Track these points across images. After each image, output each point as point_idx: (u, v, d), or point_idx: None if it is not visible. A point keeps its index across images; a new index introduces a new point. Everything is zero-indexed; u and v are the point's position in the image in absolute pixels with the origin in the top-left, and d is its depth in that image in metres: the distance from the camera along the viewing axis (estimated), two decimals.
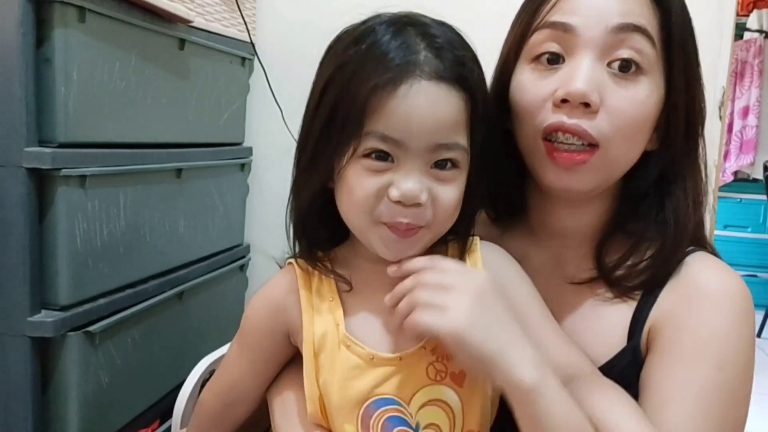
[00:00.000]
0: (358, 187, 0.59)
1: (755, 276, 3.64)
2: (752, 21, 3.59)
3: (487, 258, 0.67)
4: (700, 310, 0.64)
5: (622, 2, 0.64)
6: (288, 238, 0.68)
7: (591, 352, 0.68)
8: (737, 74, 3.59)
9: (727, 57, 1.32)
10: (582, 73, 0.63)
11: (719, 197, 1.49)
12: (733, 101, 3.60)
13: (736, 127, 3.66)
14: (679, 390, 0.61)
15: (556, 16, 0.66)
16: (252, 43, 1.43)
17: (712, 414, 0.60)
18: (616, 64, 0.64)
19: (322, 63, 0.63)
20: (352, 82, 0.58)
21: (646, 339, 0.66)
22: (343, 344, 0.63)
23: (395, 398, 0.61)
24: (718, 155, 1.36)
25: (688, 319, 0.64)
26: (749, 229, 3.77)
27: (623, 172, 0.68)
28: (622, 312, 0.68)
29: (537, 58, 0.67)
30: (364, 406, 0.61)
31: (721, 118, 1.35)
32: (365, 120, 0.57)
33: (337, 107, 0.59)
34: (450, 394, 0.62)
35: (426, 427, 0.61)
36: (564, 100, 0.63)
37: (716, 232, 1.78)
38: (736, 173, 3.70)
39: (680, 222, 0.68)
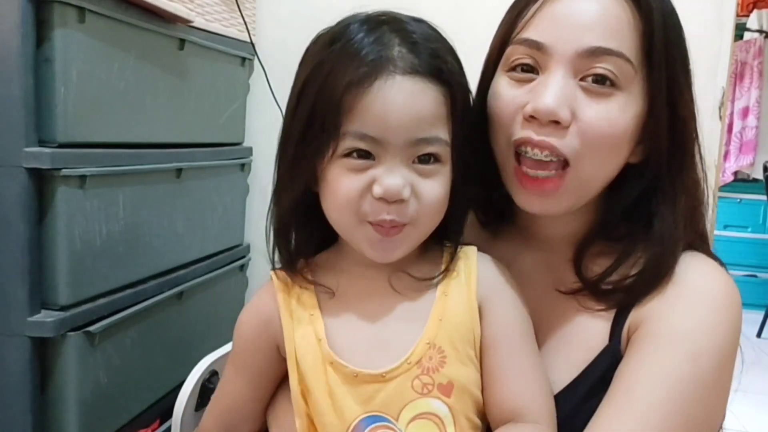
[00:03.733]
0: (340, 187, 0.59)
1: (755, 276, 3.64)
2: (752, 21, 3.60)
3: (483, 274, 0.66)
4: (679, 303, 0.63)
5: (598, 17, 0.62)
6: (267, 245, 0.66)
7: (573, 355, 0.67)
8: (737, 75, 3.60)
9: (726, 57, 1.32)
10: (551, 89, 0.61)
11: (719, 197, 1.49)
12: (732, 102, 3.60)
13: (736, 128, 3.66)
14: (647, 377, 0.60)
15: (529, 33, 0.64)
16: (252, 43, 1.43)
17: (679, 404, 0.58)
18: (589, 79, 0.62)
19: (300, 65, 0.63)
20: (327, 81, 0.58)
21: (626, 338, 0.66)
22: (327, 361, 0.62)
23: (384, 415, 0.60)
24: (718, 155, 1.36)
25: (666, 312, 0.63)
26: (749, 229, 3.78)
27: (597, 188, 0.67)
28: (605, 315, 0.68)
29: (512, 69, 0.66)
30: (353, 425, 0.60)
31: (720, 118, 1.35)
32: (342, 119, 0.57)
33: (314, 108, 0.58)
34: (439, 406, 0.60)
35: None
36: (533, 116, 0.62)
37: (716, 232, 1.78)
38: (736, 173, 3.71)
39: (667, 242, 0.66)
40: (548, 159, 0.63)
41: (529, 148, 0.63)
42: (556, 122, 0.61)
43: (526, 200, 0.66)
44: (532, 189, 0.64)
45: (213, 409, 0.73)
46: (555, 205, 0.65)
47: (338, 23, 0.61)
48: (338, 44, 0.59)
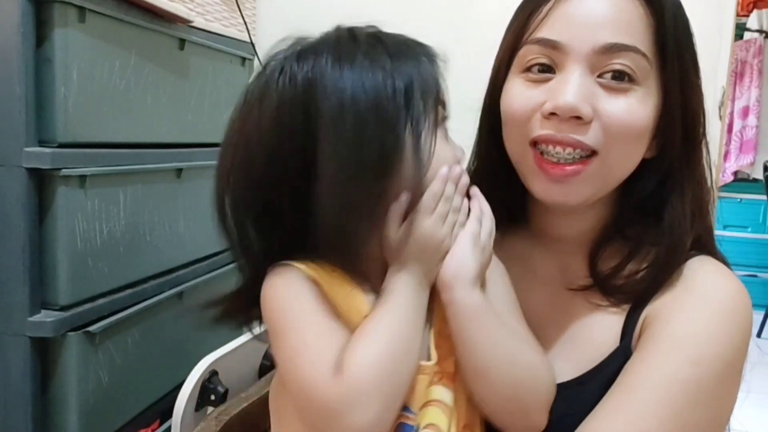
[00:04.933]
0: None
1: (755, 276, 3.64)
2: (752, 21, 3.60)
3: None
4: (686, 306, 0.63)
5: (612, 14, 0.62)
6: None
7: (583, 355, 0.68)
8: (737, 74, 3.60)
9: (727, 57, 1.32)
10: (570, 86, 0.61)
11: (719, 197, 1.49)
12: (733, 101, 3.61)
13: (736, 127, 3.66)
14: (648, 377, 0.60)
15: (544, 32, 0.64)
16: (252, 43, 1.43)
17: (676, 407, 0.58)
18: (608, 75, 0.63)
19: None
20: None
21: (636, 339, 0.66)
22: None
23: (416, 410, 0.60)
24: (718, 155, 1.35)
25: (673, 315, 0.63)
26: (749, 229, 3.78)
27: (618, 181, 0.67)
28: (616, 316, 0.68)
29: (528, 69, 0.66)
30: None
31: (721, 118, 1.35)
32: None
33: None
34: (445, 393, 0.61)
35: (425, 426, 0.60)
36: (553, 113, 0.62)
37: (716, 232, 1.78)
38: (736, 173, 3.71)
39: (676, 233, 0.66)
40: (570, 157, 0.63)
41: (551, 147, 0.63)
42: (578, 118, 0.61)
43: (544, 189, 0.65)
44: (553, 173, 0.63)
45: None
46: (574, 193, 0.65)
47: None
48: None
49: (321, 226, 0.58)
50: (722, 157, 1.43)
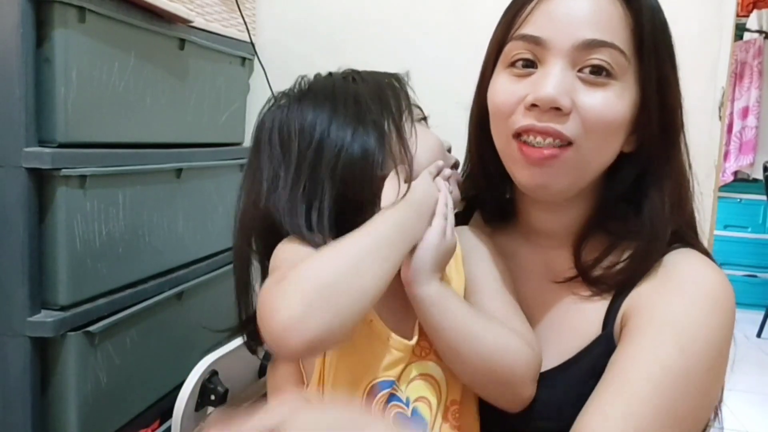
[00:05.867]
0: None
1: (755, 276, 3.65)
2: (752, 21, 3.61)
3: (462, 236, 0.73)
4: (671, 296, 0.66)
5: (592, 13, 0.66)
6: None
7: (567, 344, 0.70)
8: (737, 75, 3.61)
9: (726, 57, 1.32)
10: (551, 79, 0.65)
11: (719, 197, 1.49)
12: (732, 102, 3.61)
13: (736, 128, 3.67)
14: (636, 367, 0.62)
15: (527, 29, 0.68)
16: (252, 43, 1.43)
17: (668, 397, 0.60)
18: (587, 70, 0.66)
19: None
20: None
21: (619, 327, 0.68)
22: (367, 319, 0.63)
23: (393, 379, 0.63)
24: (718, 155, 1.36)
25: (658, 304, 0.66)
26: (749, 229, 3.79)
27: (596, 172, 0.70)
28: (598, 305, 0.71)
29: (512, 64, 0.70)
30: (371, 384, 0.63)
31: (720, 118, 1.35)
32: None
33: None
34: (435, 368, 0.65)
35: (416, 400, 0.63)
36: (534, 105, 0.65)
37: (716, 232, 1.78)
38: (736, 173, 3.72)
39: (655, 225, 0.69)
40: (549, 144, 0.66)
41: (531, 137, 0.66)
42: (557, 109, 0.64)
43: (526, 174, 0.68)
44: (531, 155, 0.66)
45: None
46: (553, 176, 0.67)
47: None
48: None
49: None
50: (722, 157, 1.43)
